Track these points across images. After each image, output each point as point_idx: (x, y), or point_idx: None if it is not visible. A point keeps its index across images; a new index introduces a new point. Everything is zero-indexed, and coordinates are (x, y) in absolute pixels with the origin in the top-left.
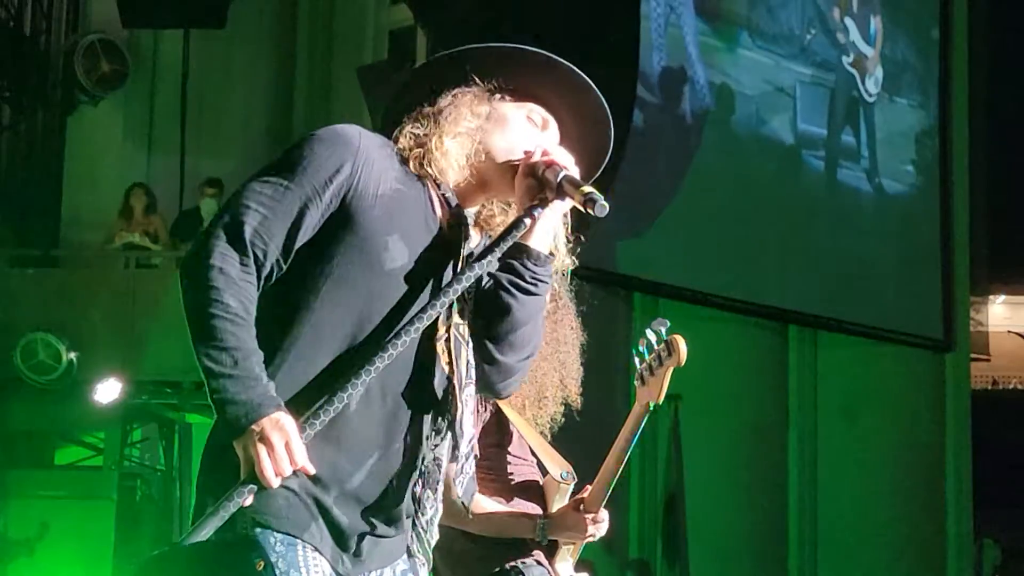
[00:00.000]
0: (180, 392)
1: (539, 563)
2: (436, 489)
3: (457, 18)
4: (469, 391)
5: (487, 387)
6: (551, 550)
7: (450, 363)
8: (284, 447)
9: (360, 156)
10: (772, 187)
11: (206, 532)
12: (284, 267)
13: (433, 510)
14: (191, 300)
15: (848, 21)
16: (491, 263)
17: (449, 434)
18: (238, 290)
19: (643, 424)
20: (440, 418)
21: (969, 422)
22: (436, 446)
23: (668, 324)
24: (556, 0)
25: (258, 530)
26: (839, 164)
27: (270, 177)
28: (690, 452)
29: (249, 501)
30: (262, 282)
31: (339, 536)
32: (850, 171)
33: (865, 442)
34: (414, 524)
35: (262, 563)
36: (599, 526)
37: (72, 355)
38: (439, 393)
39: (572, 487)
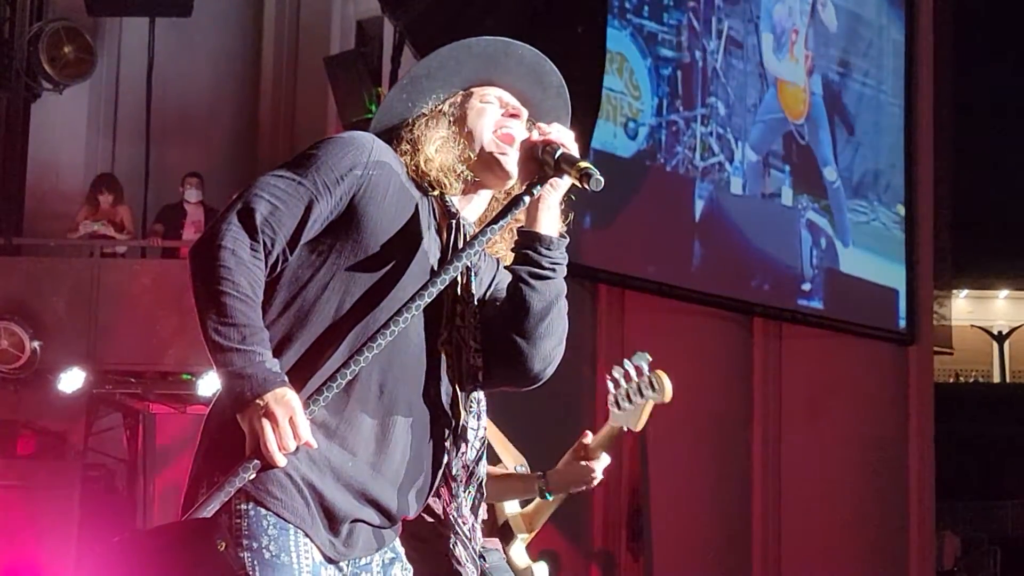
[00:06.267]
0: (144, 382)
1: (495, 548)
2: (471, 498)
3: (424, 8)
4: (475, 396)
5: (524, 377)
6: (506, 537)
7: (451, 366)
8: (288, 422)
9: (371, 160)
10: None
11: (212, 508)
12: (289, 258)
13: (473, 518)
14: (201, 278)
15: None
16: (489, 237)
17: (456, 438)
18: (247, 271)
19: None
20: (446, 423)
21: (932, 415)
22: (454, 451)
23: (649, 358)
24: None
25: (251, 505)
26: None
27: (284, 172)
28: (654, 444)
29: (253, 476)
30: (268, 271)
31: (331, 521)
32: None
33: (829, 434)
34: (456, 532)
35: (223, 544)
36: (601, 468)
37: (36, 344)
38: (445, 398)
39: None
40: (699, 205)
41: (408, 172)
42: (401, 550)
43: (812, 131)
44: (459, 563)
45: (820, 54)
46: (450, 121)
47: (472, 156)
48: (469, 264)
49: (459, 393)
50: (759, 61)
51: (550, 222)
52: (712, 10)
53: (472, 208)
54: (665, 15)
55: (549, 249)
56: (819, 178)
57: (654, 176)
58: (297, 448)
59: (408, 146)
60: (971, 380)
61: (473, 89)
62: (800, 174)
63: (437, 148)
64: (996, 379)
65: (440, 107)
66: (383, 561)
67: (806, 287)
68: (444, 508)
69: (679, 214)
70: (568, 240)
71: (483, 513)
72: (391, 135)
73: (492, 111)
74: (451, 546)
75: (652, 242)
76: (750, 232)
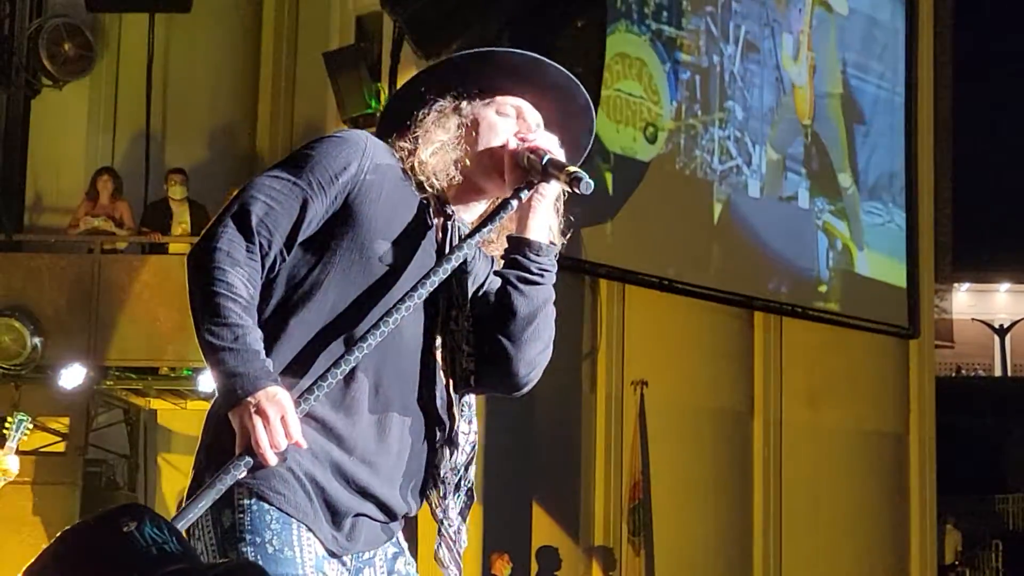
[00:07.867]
0: (145, 377)
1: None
2: (459, 501)
3: (423, 3)
4: (467, 400)
5: (509, 381)
6: None
7: (445, 370)
8: (280, 420)
9: (366, 159)
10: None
11: (203, 505)
12: (286, 258)
13: (459, 520)
14: (197, 280)
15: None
16: (478, 241)
17: (448, 441)
18: (242, 272)
19: None
20: (439, 426)
21: (933, 409)
22: (445, 453)
23: None
24: None
25: (254, 500)
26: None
27: (279, 172)
28: (656, 438)
29: (244, 474)
30: (265, 271)
31: (334, 515)
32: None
33: (830, 428)
34: (441, 534)
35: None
36: None
37: (36, 340)
38: (439, 401)
39: None
40: (717, 208)
41: (405, 170)
42: (405, 544)
43: (823, 133)
44: (442, 565)
45: (833, 56)
46: (458, 124)
47: (470, 163)
48: (462, 267)
49: (453, 396)
50: (776, 64)
51: (539, 228)
52: (729, 15)
53: (470, 211)
54: (683, 20)
55: (538, 255)
56: (834, 181)
57: (673, 179)
58: (287, 447)
59: (409, 144)
60: (972, 374)
61: (498, 97)
62: (816, 177)
63: (433, 151)
64: (997, 373)
65: (456, 104)
66: (386, 555)
67: (823, 289)
68: (432, 510)
69: (697, 217)
70: (558, 248)
71: (469, 516)
72: (396, 128)
73: (507, 126)
74: (435, 547)
75: (671, 245)
76: (767, 235)
